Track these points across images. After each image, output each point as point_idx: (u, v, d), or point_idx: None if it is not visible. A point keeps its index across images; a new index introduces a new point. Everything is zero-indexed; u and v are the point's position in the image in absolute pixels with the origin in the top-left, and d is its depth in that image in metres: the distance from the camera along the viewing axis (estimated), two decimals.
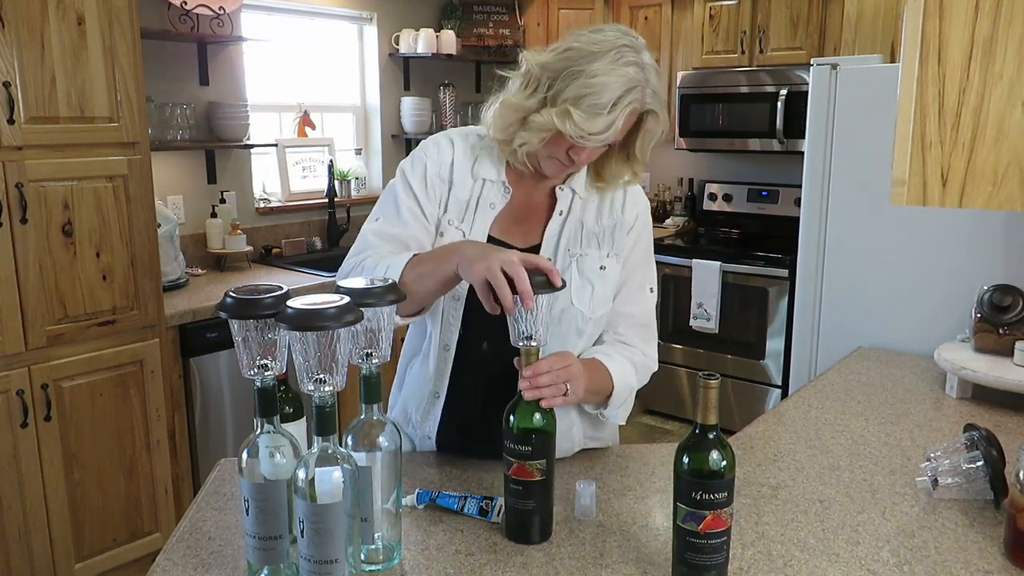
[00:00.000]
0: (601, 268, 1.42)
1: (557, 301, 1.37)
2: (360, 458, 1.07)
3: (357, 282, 1.11)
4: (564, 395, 1.21)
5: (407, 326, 1.50)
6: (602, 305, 1.42)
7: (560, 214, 1.43)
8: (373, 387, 1.08)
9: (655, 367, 1.52)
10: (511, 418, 1.16)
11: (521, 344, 1.16)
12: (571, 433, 1.48)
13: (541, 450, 1.15)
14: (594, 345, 1.46)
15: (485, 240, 1.40)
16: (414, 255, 1.30)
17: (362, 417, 1.09)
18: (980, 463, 1.32)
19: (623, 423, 1.50)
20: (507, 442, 1.16)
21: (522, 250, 1.35)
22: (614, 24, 1.36)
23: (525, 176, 1.43)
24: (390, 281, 1.12)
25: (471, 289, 1.35)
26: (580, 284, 1.40)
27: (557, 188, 1.43)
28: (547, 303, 1.18)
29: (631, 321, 1.47)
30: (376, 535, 1.11)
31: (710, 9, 4.18)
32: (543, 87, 1.28)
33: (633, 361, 1.45)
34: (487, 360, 1.42)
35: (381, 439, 1.09)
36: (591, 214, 1.44)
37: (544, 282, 1.15)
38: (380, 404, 1.10)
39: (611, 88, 1.23)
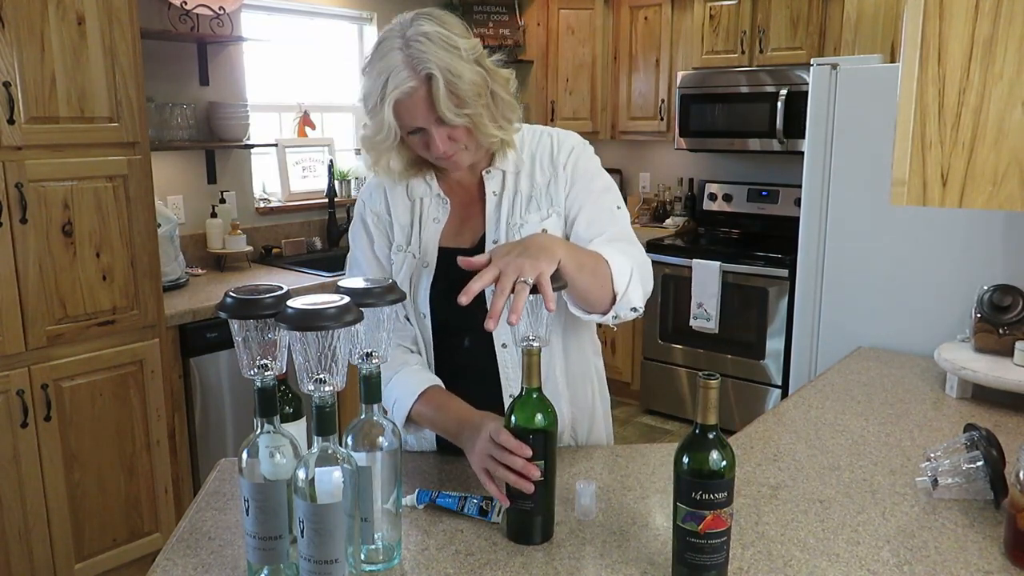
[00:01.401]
0: (543, 231, 1.38)
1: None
2: (360, 458, 1.07)
3: (357, 282, 1.11)
4: (525, 283, 1.07)
5: None
6: None
7: (494, 194, 1.42)
8: (373, 387, 1.08)
9: (645, 263, 1.36)
10: (511, 417, 1.15)
11: (523, 345, 1.15)
12: (562, 420, 1.46)
13: (540, 451, 1.14)
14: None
15: (436, 252, 1.42)
16: (424, 390, 1.36)
17: (362, 417, 1.09)
18: (980, 463, 1.32)
19: (642, 305, 1.33)
20: None
21: (470, 248, 1.41)
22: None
23: (455, 180, 1.45)
24: (390, 281, 1.13)
25: (434, 298, 1.41)
26: None
27: (483, 172, 1.42)
28: (539, 313, 1.16)
29: (606, 238, 1.36)
30: (376, 535, 1.11)
31: (710, 9, 4.18)
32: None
33: (622, 250, 1.32)
34: (469, 353, 1.43)
35: (381, 439, 1.09)
36: (525, 181, 1.42)
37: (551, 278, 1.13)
38: (380, 404, 1.10)
39: (372, 89, 1.26)
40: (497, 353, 1.42)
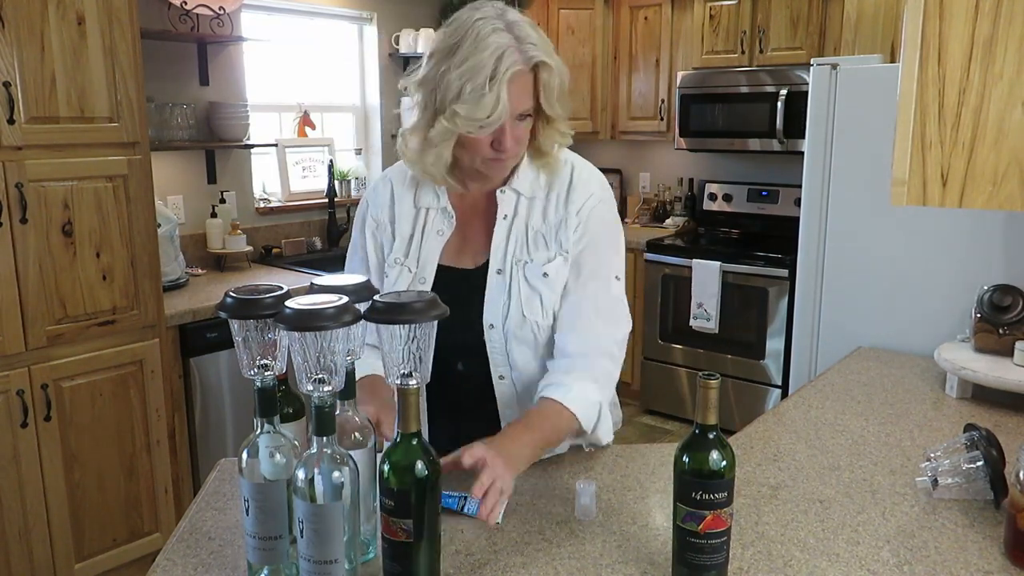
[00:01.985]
0: (544, 275, 1.35)
1: (510, 318, 1.35)
2: None
3: (331, 280, 1.11)
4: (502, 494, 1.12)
5: None
6: (553, 312, 1.37)
7: (505, 218, 1.38)
8: (348, 383, 1.08)
9: (619, 357, 1.40)
10: (384, 467, 0.99)
11: (398, 383, 0.99)
12: None
13: (406, 508, 0.97)
14: (555, 359, 1.38)
15: (435, 269, 1.39)
16: (365, 375, 1.31)
17: (337, 413, 1.08)
18: (980, 463, 1.32)
19: (608, 440, 1.44)
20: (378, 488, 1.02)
21: (472, 269, 1.38)
22: (470, 6, 1.28)
23: (467, 193, 1.41)
24: (365, 279, 1.12)
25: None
26: (529, 294, 1.35)
27: (498, 192, 1.38)
28: (428, 334, 1.03)
29: (590, 305, 1.36)
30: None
31: (710, 9, 4.18)
32: (429, 102, 1.26)
33: (593, 376, 1.35)
34: (464, 379, 1.41)
35: (356, 434, 1.09)
36: (537, 214, 1.38)
37: (425, 307, 1.00)
38: (355, 400, 1.10)
39: (481, 67, 1.20)
40: (495, 384, 1.39)
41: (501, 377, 1.39)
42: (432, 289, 1.38)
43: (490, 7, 1.25)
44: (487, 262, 1.38)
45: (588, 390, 1.33)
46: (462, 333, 1.35)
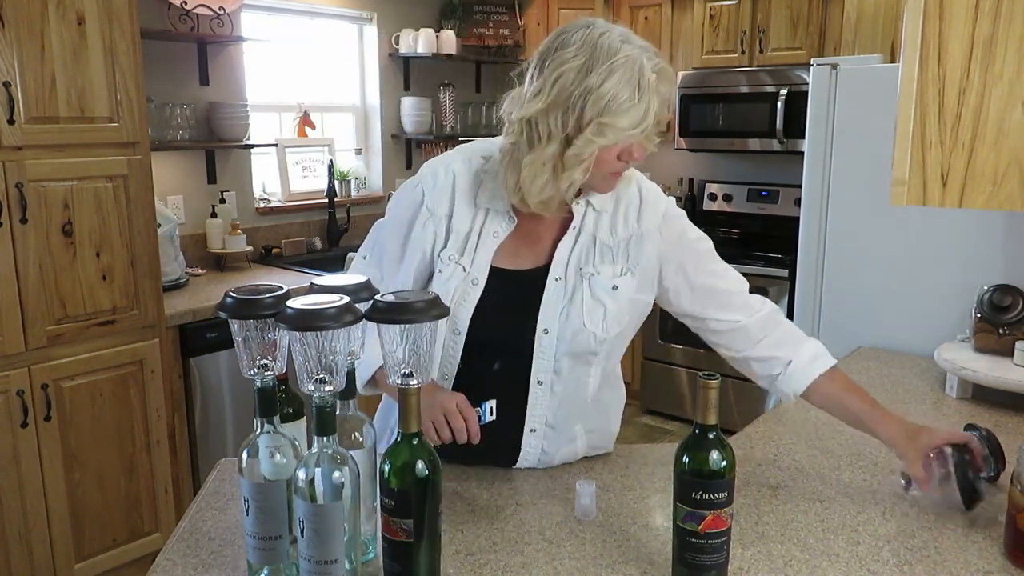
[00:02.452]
0: (613, 288, 1.35)
1: (569, 325, 1.34)
2: None
3: (332, 280, 1.11)
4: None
5: None
6: (615, 324, 1.36)
7: (574, 229, 1.37)
8: (349, 383, 1.08)
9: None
10: (386, 466, 0.99)
11: (400, 383, 1.00)
12: (574, 445, 1.46)
13: (406, 508, 0.98)
14: (761, 343, 1.43)
15: (487, 271, 1.35)
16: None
17: (338, 412, 1.08)
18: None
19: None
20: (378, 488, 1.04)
21: (529, 270, 1.36)
22: (562, 29, 1.26)
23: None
24: (364, 279, 1.10)
25: (474, 317, 1.35)
26: (592, 305, 1.34)
27: (573, 204, 1.36)
28: (430, 334, 1.02)
29: (755, 305, 1.45)
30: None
31: (710, 9, 4.18)
32: (556, 129, 1.23)
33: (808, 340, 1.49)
34: (497, 379, 1.39)
35: (356, 435, 1.09)
36: (605, 227, 1.37)
37: (426, 307, 0.99)
38: (356, 400, 1.10)
39: (629, 77, 1.20)
40: (530, 389, 1.37)
41: (539, 382, 1.37)
42: (484, 290, 1.35)
43: (596, 26, 1.24)
44: (544, 266, 1.36)
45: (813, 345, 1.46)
46: (510, 334, 1.35)
